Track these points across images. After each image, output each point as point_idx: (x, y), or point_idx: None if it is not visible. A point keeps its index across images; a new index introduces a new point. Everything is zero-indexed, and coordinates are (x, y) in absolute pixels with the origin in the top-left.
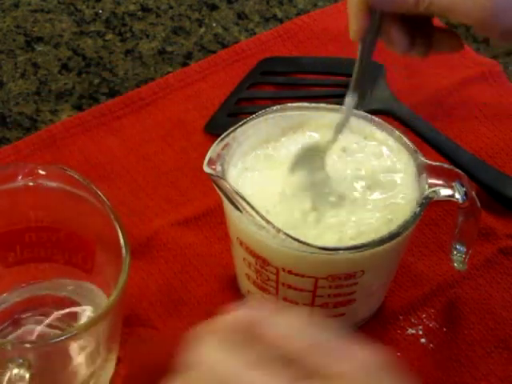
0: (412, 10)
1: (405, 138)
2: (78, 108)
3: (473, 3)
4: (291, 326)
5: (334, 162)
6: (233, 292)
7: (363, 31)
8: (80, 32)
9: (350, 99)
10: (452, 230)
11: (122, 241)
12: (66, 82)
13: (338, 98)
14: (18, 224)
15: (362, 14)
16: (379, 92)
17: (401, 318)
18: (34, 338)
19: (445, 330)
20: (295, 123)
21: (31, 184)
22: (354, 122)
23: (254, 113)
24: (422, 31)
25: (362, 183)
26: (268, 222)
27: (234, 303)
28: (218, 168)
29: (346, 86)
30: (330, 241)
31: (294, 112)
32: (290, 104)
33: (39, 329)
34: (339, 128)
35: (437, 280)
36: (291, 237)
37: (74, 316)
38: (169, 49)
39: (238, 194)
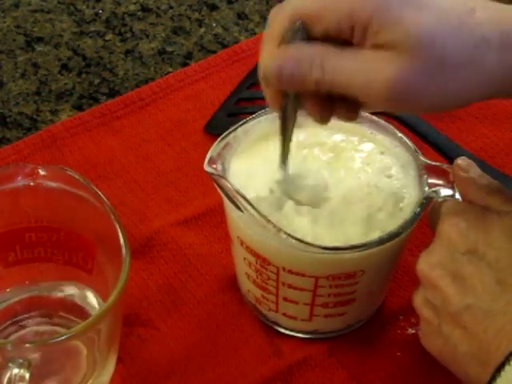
0: (317, 90)
1: (405, 138)
2: (78, 108)
3: (366, 77)
4: None
5: (335, 162)
6: (233, 292)
7: (280, 106)
8: (80, 32)
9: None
10: None
11: (122, 241)
12: (66, 82)
13: None
14: (18, 224)
15: (276, 93)
16: None
17: (401, 317)
18: (34, 337)
19: None
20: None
21: (31, 184)
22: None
23: (254, 113)
24: (345, 101)
25: (363, 183)
26: (269, 221)
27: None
28: (219, 167)
29: None
30: (332, 240)
31: None
32: None
33: (40, 329)
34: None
35: None
36: (292, 236)
37: (75, 316)
38: (169, 49)
39: (238, 193)
